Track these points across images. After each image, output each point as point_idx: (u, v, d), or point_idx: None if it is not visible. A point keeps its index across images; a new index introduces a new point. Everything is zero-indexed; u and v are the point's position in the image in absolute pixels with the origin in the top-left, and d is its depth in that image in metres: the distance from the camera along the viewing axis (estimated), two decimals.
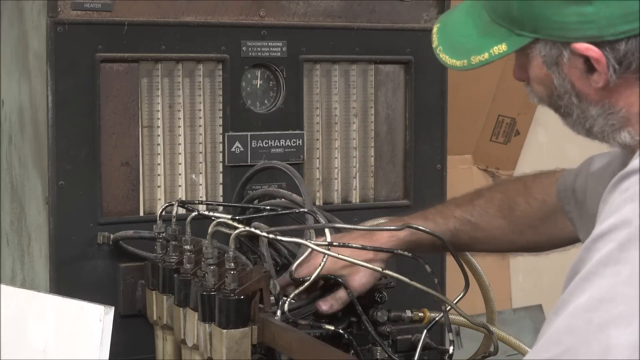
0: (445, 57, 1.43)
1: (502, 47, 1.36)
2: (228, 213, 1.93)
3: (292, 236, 1.71)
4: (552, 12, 1.31)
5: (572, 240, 1.79)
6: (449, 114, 2.28)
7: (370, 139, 2.21)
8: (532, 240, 1.84)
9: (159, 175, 2.02)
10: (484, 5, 1.39)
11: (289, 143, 2.11)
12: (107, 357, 1.72)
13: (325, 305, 1.74)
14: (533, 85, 1.43)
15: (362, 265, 1.72)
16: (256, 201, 2.00)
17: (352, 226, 1.89)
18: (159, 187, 2.02)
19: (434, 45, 1.46)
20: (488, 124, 3.42)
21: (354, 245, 1.73)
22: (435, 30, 1.47)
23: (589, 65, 1.32)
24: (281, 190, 1.99)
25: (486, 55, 1.37)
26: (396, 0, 2.19)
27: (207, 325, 1.64)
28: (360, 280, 1.76)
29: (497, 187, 1.88)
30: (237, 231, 1.66)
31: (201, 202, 2.02)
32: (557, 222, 1.79)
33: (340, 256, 1.70)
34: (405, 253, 1.72)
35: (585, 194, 1.70)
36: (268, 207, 1.90)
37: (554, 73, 1.36)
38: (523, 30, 1.34)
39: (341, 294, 1.75)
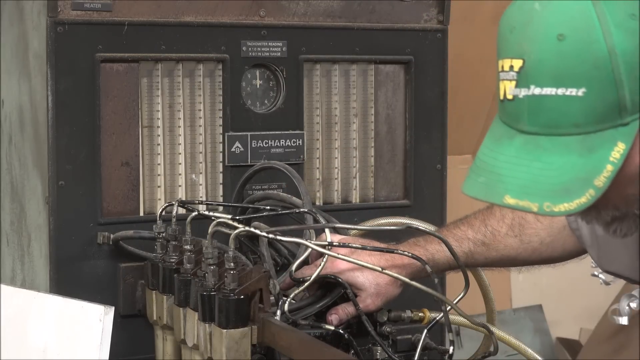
0: (564, 207, 1.22)
1: (621, 147, 1.21)
2: (228, 213, 1.93)
3: (292, 236, 1.71)
4: None
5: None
6: (449, 114, 2.28)
7: (370, 139, 2.21)
8: (546, 255, 1.84)
9: (159, 175, 2.02)
10: (551, 136, 1.24)
11: (289, 143, 2.11)
12: (107, 357, 1.72)
13: (335, 320, 1.74)
14: (615, 195, 1.27)
15: (362, 265, 1.72)
16: (255, 203, 2.00)
17: (352, 226, 1.89)
18: (159, 187, 2.02)
19: (535, 210, 1.23)
20: (488, 124, 3.41)
21: (353, 245, 1.73)
22: (511, 199, 1.25)
23: None
24: (280, 193, 1.99)
25: (610, 167, 1.21)
26: (396, 0, 2.19)
27: (207, 325, 1.64)
28: (374, 302, 1.76)
29: None
30: (237, 231, 1.66)
31: (201, 202, 2.02)
32: (570, 236, 1.77)
33: (341, 256, 1.70)
34: (406, 253, 1.72)
35: None
36: (268, 207, 1.90)
37: None
38: (630, 115, 1.22)
39: (350, 309, 1.75)
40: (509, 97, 1.28)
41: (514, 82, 1.27)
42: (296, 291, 1.70)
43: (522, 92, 1.26)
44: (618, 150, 1.22)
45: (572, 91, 1.22)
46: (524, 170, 1.26)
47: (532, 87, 1.25)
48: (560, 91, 1.23)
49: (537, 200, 1.23)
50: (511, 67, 1.27)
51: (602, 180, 1.22)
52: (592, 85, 1.21)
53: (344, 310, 1.75)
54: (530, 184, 1.25)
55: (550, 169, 1.24)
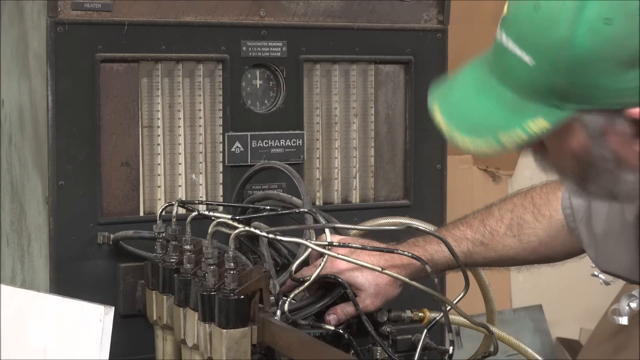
0: (462, 141, 1.31)
1: (541, 123, 1.27)
2: (228, 213, 1.93)
3: (292, 236, 1.71)
4: (611, 80, 1.24)
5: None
6: None
7: (370, 139, 2.21)
8: (545, 255, 1.84)
9: (159, 175, 2.02)
10: (499, 82, 1.31)
11: (289, 143, 2.12)
12: (107, 357, 1.72)
13: (333, 320, 1.75)
14: (555, 159, 1.35)
15: (362, 265, 1.72)
16: (255, 203, 2.00)
17: (352, 226, 1.89)
18: (159, 187, 2.02)
19: (443, 130, 1.33)
20: None
21: (353, 245, 1.73)
22: (438, 112, 1.36)
23: (638, 129, 1.26)
24: (280, 193, 1.99)
25: (520, 132, 1.28)
26: (396, 0, 2.20)
27: (207, 325, 1.64)
28: (373, 302, 1.77)
29: (507, 205, 1.85)
30: (237, 231, 1.66)
31: (201, 202, 2.02)
32: (569, 235, 1.77)
33: (341, 256, 1.70)
34: (406, 253, 1.72)
35: (590, 211, 1.69)
36: (268, 207, 1.90)
37: (594, 143, 1.29)
38: (568, 102, 1.26)
39: (349, 309, 1.75)
40: (497, 34, 1.35)
41: (499, 23, 1.35)
42: (296, 291, 1.71)
43: (498, 35, 1.33)
44: (536, 124, 1.27)
45: (525, 57, 1.28)
46: (463, 95, 1.35)
47: (504, 34, 1.31)
48: (518, 51, 1.28)
49: (452, 124, 1.33)
50: (503, 11, 1.34)
51: (506, 138, 1.28)
52: (541, 61, 1.26)
53: (343, 310, 1.75)
54: (458, 111, 1.34)
55: (478, 105, 1.32)
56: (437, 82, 1.41)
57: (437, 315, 1.77)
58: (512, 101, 1.29)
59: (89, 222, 1.95)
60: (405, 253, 1.72)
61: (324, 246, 1.70)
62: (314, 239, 1.77)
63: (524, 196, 1.84)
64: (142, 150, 2.00)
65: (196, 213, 1.82)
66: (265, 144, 2.09)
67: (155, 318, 1.86)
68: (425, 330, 1.73)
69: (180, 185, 2.04)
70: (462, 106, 1.34)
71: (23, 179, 2.04)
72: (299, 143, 2.12)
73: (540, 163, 1.39)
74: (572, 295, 3.66)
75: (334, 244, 1.71)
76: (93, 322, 1.73)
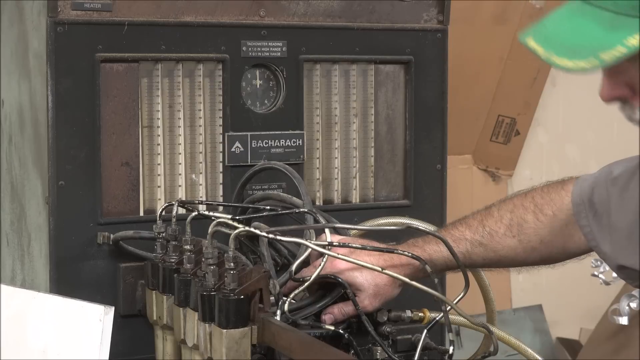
0: (563, 62, 1.34)
1: (638, 38, 1.31)
2: (228, 213, 1.93)
3: (292, 236, 1.71)
4: None
5: (588, 249, 1.78)
6: (449, 114, 2.28)
7: (370, 139, 2.21)
8: (545, 255, 1.84)
9: (159, 175, 2.02)
10: (599, 4, 1.34)
11: (289, 143, 2.12)
12: (107, 357, 1.72)
13: (329, 319, 1.75)
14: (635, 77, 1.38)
15: (362, 265, 1.72)
16: (255, 203, 2.00)
17: (352, 226, 1.89)
18: (159, 187, 2.03)
19: (540, 54, 1.36)
20: (488, 124, 3.42)
21: (353, 245, 1.73)
22: (532, 41, 1.38)
23: None
24: (280, 194, 1.99)
25: (621, 48, 1.31)
26: (396, 0, 2.20)
27: (207, 325, 1.64)
28: (371, 303, 1.77)
29: (507, 205, 1.85)
30: (237, 231, 1.66)
31: (201, 202, 2.02)
32: (571, 234, 1.78)
33: (341, 256, 1.70)
34: (405, 253, 1.72)
35: (609, 204, 1.68)
36: (268, 207, 1.90)
37: None
38: None
39: (347, 309, 1.75)
40: None
41: None
42: (296, 291, 1.71)
43: None
44: (635, 38, 1.29)
45: None
46: (556, 24, 1.38)
47: None
48: None
49: (547, 48, 1.35)
50: None
51: (609, 56, 1.30)
52: None
53: (340, 310, 1.75)
54: (551, 36, 1.37)
55: (574, 29, 1.35)
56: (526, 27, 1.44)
57: (437, 315, 1.77)
58: (609, 20, 1.32)
59: (89, 222, 1.95)
60: (405, 253, 1.72)
61: (324, 246, 1.70)
62: (314, 239, 1.77)
63: (524, 197, 1.84)
64: (142, 150, 2.00)
65: (196, 213, 1.82)
66: (265, 144, 2.09)
67: (155, 318, 1.86)
68: (425, 330, 1.73)
69: (180, 185, 2.04)
70: (558, 32, 1.36)
71: (23, 179, 2.04)
72: (299, 143, 2.13)
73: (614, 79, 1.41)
74: (572, 295, 3.66)
75: (334, 244, 1.71)
76: (93, 322, 1.73)
